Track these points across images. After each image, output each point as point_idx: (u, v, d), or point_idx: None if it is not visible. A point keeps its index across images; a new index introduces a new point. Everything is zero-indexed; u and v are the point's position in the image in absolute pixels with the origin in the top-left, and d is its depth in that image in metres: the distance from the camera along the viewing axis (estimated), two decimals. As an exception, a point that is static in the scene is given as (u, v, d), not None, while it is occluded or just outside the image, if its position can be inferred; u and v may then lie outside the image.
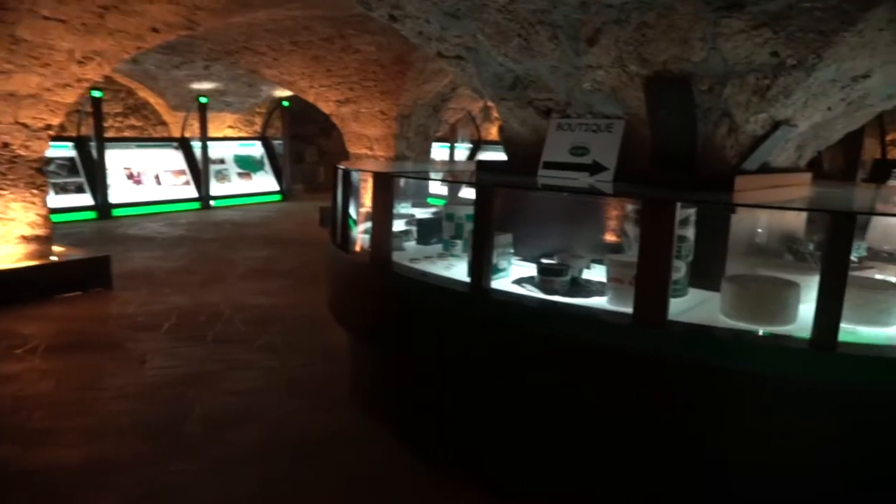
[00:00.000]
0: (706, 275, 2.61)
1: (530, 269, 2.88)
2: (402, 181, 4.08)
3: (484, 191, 2.46)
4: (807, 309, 2.24)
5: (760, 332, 2.10)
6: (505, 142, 3.59)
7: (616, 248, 2.84)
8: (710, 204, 2.50)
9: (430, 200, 4.97)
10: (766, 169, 2.93)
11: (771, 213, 2.92)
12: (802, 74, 2.31)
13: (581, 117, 3.14)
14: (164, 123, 12.40)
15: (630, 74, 2.71)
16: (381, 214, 2.85)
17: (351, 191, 3.35)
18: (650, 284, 2.08)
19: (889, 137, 8.47)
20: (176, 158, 11.90)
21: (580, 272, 2.72)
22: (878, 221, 3.47)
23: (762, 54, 2.31)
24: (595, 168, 3.01)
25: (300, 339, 4.56)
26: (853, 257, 3.29)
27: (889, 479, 1.96)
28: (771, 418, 1.94)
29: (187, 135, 12.15)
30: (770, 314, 2.15)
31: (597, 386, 2.18)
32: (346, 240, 3.26)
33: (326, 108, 9.33)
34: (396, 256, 2.98)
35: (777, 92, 2.40)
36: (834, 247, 1.88)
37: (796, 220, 3.33)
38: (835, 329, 1.90)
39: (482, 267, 2.46)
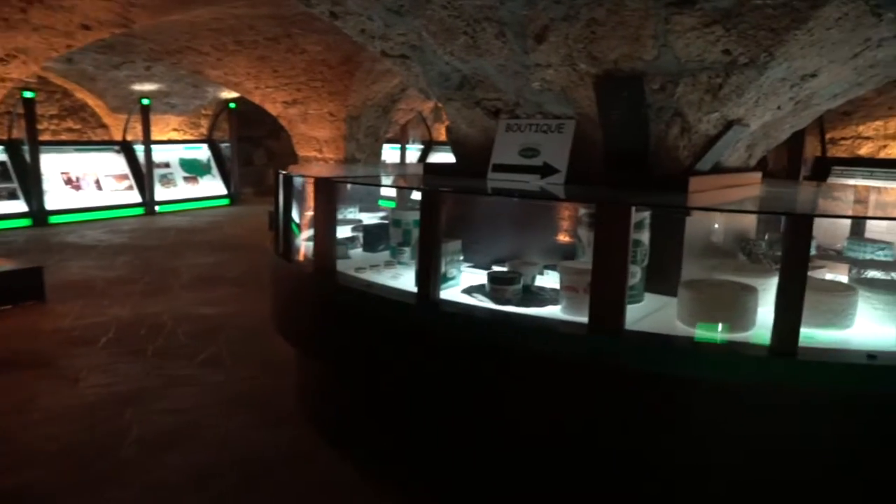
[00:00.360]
0: (662, 279, 2.54)
1: (481, 277, 2.77)
2: (348, 185, 3.92)
3: (430, 196, 2.33)
4: (765, 312, 2.19)
5: (719, 339, 2.03)
6: (453, 143, 3.47)
7: (569, 254, 2.75)
8: (672, 208, 2.43)
9: (381, 203, 4.82)
10: (718, 169, 2.88)
11: (724, 213, 2.87)
12: (754, 73, 2.25)
13: (531, 118, 3.04)
14: (104, 126, 11.91)
15: (580, 73, 2.62)
16: (324, 222, 2.69)
17: (293, 197, 3.18)
18: (606, 292, 1.98)
19: (828, 136, 8.68)
20: (118, 162, 11.45)
21: (533, 280, 2.62)
22: (822, 220, 3.46)
23: (714, 52, 2.24)
24: (546, 170, 2.92)
25: (247, 350, 4.35)
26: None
27: (850, 482, 1.91)
28: (733, 427, 1.87)
29: (129, 138, 11.70)
30: (728, 320, 2.08)
31: (552, 399, 2.07)
32: (288, 248, 3.09)
33: (273, 109, 9.08)
34: (341, 265, 2.83)
35: (730, 91, 2.34)
36: (792, 250, 1.81)
37: (748, 221, 3.30)
38: (795, 334, 1.83)
39: (429, 277, 2.33)
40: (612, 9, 2.32)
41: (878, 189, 4.61)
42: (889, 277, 2.54)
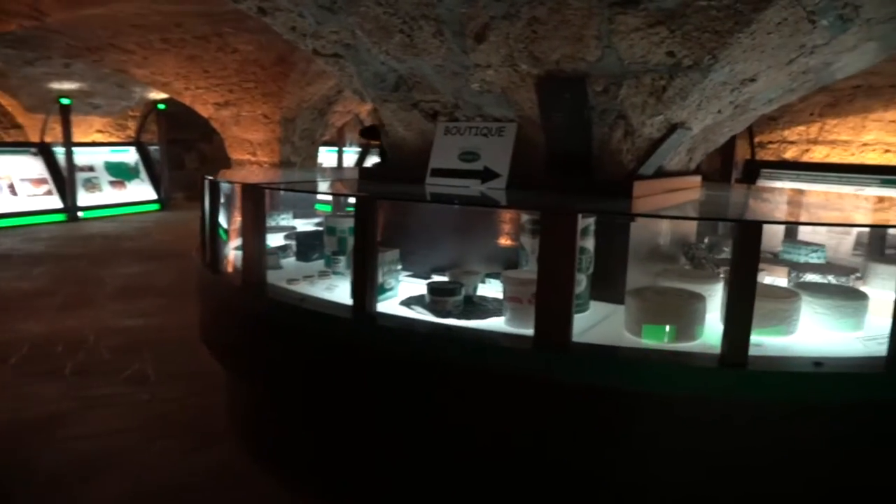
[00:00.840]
0: (607, 286, 2.47)
1: (420, 287, 2.64)
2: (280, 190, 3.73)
3: (365, 203, 2.19)
4: (711, 319, 2.15)
5: (669, 350, 1.96)
6: (390, 147, 3.33)
7: (512, 262, 2.65)
8: (620, 214, 2.36)
9: (318, 207, 4.62)
10: (660, 173, 2.84)
11: (666, 218, 2.84)
12: (698, 76, 2.20)
13: (470, 120, 2.94)
14: (18, 126, 11.17)
15: (521, 74, 2.53)
16: (253, 232, 2.51)
17: (222, 204, 2.98)
18: (552, 304, 1.89)
19: (757, 139, 8.95)
20: (35, 166, 10.77)
21: (474, 290, 2.51)
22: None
23: (658, 54, 2.18)
24: (486, 175, 2.82)
25: (175, 366, 4.09)
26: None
27: (802, 493, 1.87)
28: (685, 441, 1.80)
29: (48, 140, 11.03)
30: (678, 330, 2.01)
31: (497, 416, 1.96)
32: (215, 259, 2.89)
33: (205, 111, 8.73)
34: (272, 276, 2.65)
35: (674, 93, 2.29)
36: (742, 258, 1.75)
37: (689, 225, 3.29)
38: (745, 344, 1.78)
39: (365, 289, 2.19)
40: (555, 7, 2.23)
41: (802, 191, 4.74)
42: (827, 280, 2.55)
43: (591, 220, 2.36)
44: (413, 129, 3.11)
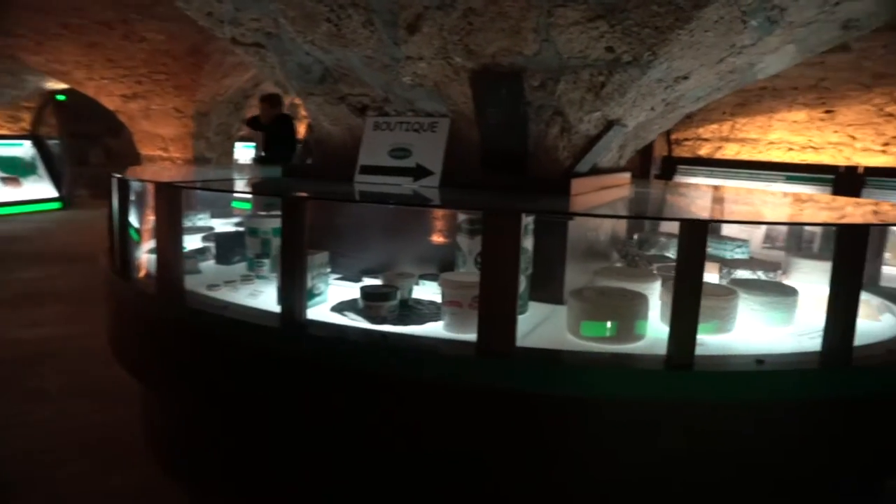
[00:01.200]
0: (545, 286, 2.41)
1: (350, 290, 2.51)
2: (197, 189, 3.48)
3: (293, 203, 2.04)
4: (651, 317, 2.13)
5: (614, 352, 1.91)
6: (315, 143, 3.17)
7: (447, 263, 2.56)
8: (565, 214, 2.31)
9: (235, 205, 4.37)
10: (594, 170, 2.81)
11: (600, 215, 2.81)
12: (637, 72, 2.17)
13: (401, 115, 2.82)
14: None
15: (455, 67, 2.43)
16: (169, 234, 2.30)
17: (132, 204, 2.73)
18: (495, 308, 1.80)
19: (673, 137, 9.25)
20: (-86, 161, 9.86)
21: (409, 293, 2.39)
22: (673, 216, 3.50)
23: (598, 49, 2.13)
24: (419, 172, 2.71)
25: (82, 378, 3.78)
26: (672, 255, 3.33)
27: (750, 494, 1.87)
28: (634, 446, 1.75)
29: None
30: (622, 330, 1.97)
31: (439, 428, 1.86)
32: (126, 264, 2.65)
33: (110, 103, 8.19)
34: (191, 282, 2.44)
35: (612, 90, 2.25)
36: (688, 257, 1.72)
37: (621, 222, 3.30)
38: (692, 345, 1.75)
39: (294, 296, 2.03)
40: (491, -2, 2.15)
41: (718, 187, 4.90)
42: (756, 276, 2.59)
43: (530, 220, 2.29)
44: (340, 124, 2.96)
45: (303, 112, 9.25)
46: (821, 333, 1.98)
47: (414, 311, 2.28)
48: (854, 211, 2.81)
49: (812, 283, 2.62)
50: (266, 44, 2.79)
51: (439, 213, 2.72)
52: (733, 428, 1.76)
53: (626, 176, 3.36)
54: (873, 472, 2.09)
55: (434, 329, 2.12)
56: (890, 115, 6.95)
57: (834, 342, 1.83)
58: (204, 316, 2.20)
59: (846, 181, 6.80)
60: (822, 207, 2.99)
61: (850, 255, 1.81)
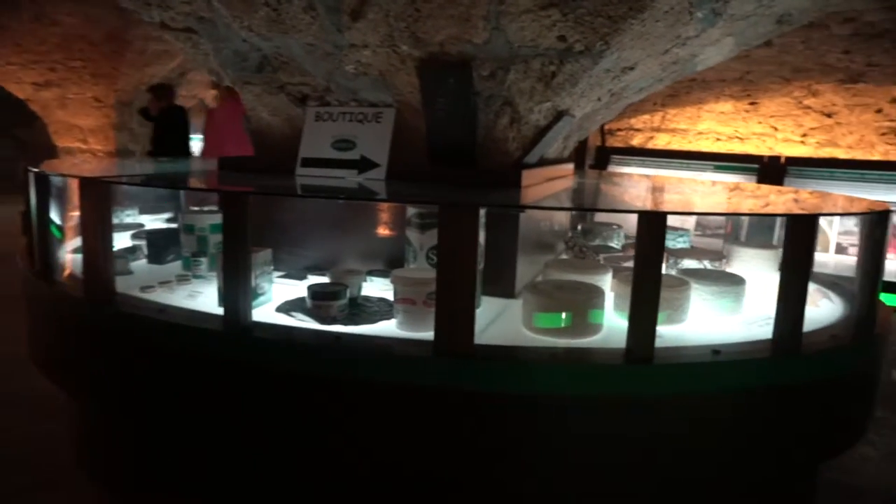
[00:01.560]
0: (497, 280, 2.37)
1: (294, 288, 2.40)
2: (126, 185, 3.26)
3: (236, 199, 1.92)
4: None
5: (575, 347, 1.89)
6: (253, 134, 3.02)
7: (396, 258, 2.48)
8: (522, 207, 2.27)
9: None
10: (541, 161, 2.79)
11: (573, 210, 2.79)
12: (589, 62, 2.14)
13: (344, 105, 2.71)
14: None
15: (402, 56, 2.35)
16: (96, 234, 2.14)
17: (52, 201, 2.53)
18: (453, 304, 1.74)
19: (606, 127, 9.42)
20: None
21: (359, 291, 2.30)
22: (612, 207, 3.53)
23: (549, 38, 2.09)
24: (364, 164, 2.61)
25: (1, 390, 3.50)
26: (616, 245, 3.36)
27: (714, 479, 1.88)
28: (599, 441, 1.74)
29: None
30: (579, 325, 1.95)
31: (396, 432, 1.79)
32: (47, 266, 2.45)
33: (20, 91, 7.66)
34: (122, 284, 2.28)
35: (563, 80, 2.22)
36: (647, 249, 1.71)
37: (565, 214, 3.30)
38: (651, 338, 1.74)
39: (238, 296, 1.92)
40: (439, -16, 2.07)
41: (651, 176, 5.02)
42: (702, 265, 2.63)
43: (482, 213, 2.24)
44: (279, 115, 2.83)
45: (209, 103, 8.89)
46: (768, 321, 2.02)
47: (364, 310, 2.20)
48: (777, 199, 2.91)
49: (749, 270, 2.68)
50: (199, 29, 2.63)
51: (385, 206, 2.64)
52: (692, 419, 1.77)
53: (571, 167, 3.36)
54: (817, 455, 2.15)
55: (387, 328, 2.05)
56: (808, 107, 7.28)
57: (785, 330, 1.86)
58: (138, 320, 2.05)
59: (770, 170, 7.08)
60: (749, 195, 3.09)
61: (800, 245, 1.84)
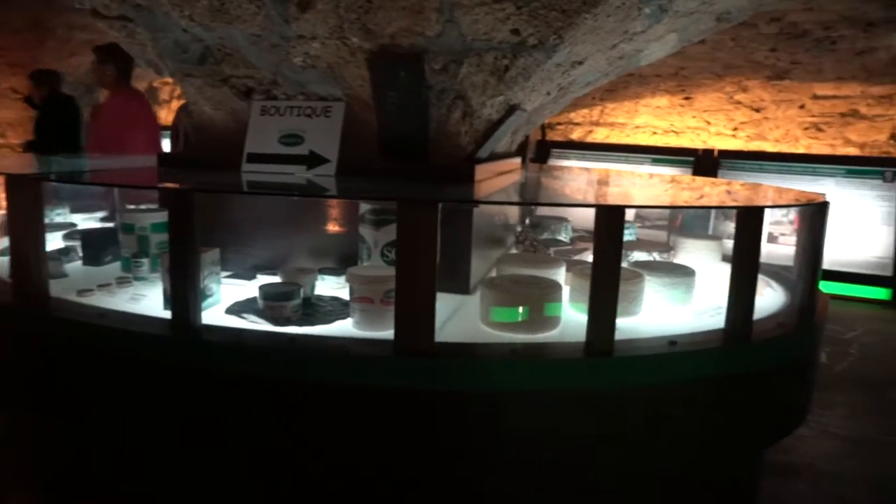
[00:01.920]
0: (451, 276, 2.35)
1: (244, 288, 2.32)
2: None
3: (184, 197, 1.83)
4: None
5: (536, 343, 1.89)
6: (195, 129, 2.90)
7: (349, 256, 2.43)
8: (478, 202, 2.26)
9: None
10: (492, 156, 2.78)
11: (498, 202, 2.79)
12: (542, 56, 2.14)
13: (291, 99, 2.63)
14: None
15: (352, 48, 2.29)
16: (27, 235, 2.00)
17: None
18: (414, 302, 1.71)
19: (546, 121, 9.54)
20: None
21: (312, 290, 2.24)
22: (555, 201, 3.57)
23: (503, 31, 2.07)
24: (313, 160, 2.55)
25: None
26: (564, 238, 3.39)
27: (664, 475, 1.92)
28: (562, 436, 1.74)
29: None
30: (538, 320, 1.95)
31: (357, 435, 1.75)
32: (-30, 270, 2.29)
33: (-69, 82, 7.16)
34: (57, 288, 2.15)
35: (516, 73, 2.21)
36: (606, 243, 1.72)
37: (515, 208, 3.31)
38: (611, 332, 1.75)
39: (187, 299, 1.83)
40: (391, -25, 2.03)
41: (591, 169, 5.12)
42: (653, 258, 2.68)
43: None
44: (223, 109, 2.72)
45: (163, 96, 8.58)
46: (719, 311, 2.07)
47: (319, 310, 2.14)
48: (711, 191, 3.01)
49: (693, 260, 2.75)
50: (135, 18, 2.50)
51: (337, 202, 2.59)
52: (650, 410, 1.79)
53: (518, 161, 3.37)
54: (765, 439, 2.23)
55: (343, 328, 2.00)
56: (738, 102, 7.55)
57: (737, 320, 1.91)
58: (76, 327, 1.93)
59: (704, 162, 7.32)
60: (685, 188, 3.18)
61: (750, 236, 1.89)
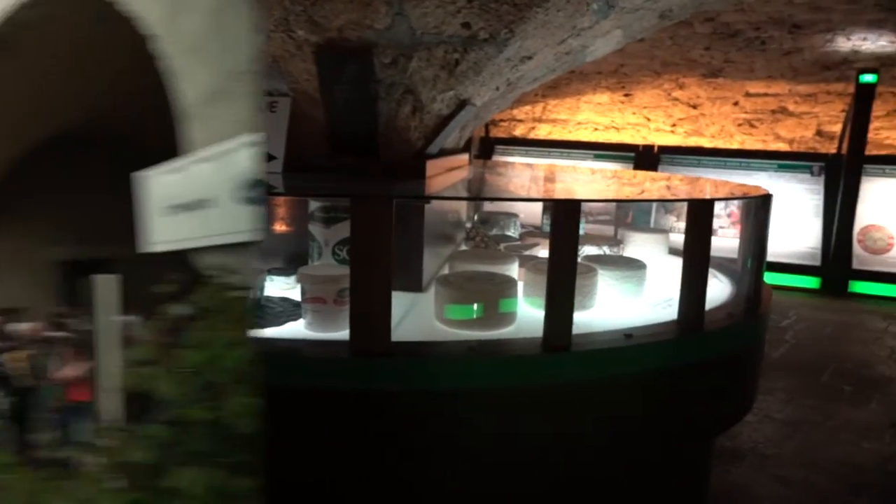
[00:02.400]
0: (404, 274, 2.31)
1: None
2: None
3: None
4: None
5: (494, 340, 1.87)
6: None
7: (298, 255, 2.36)
8: (433, 198, 2.24)
9: None
10: (441, 151, 2.75)
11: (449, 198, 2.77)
12: (493, 50, 2.12)
13: (233, 94, 2.53)
14: None
15: (298, 41, 2.22)
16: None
17: None
18: (369, 302, 1.66)
19: (490, 117, 9.60)
20: None
21: (262, 291, 2.17)
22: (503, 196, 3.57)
23: (454, 25, 2.04)
24: (258, 156, 2.46)
25: None
26: (513, 234, 3.40)
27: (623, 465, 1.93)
28: (521, 432, 1.73)
29: None
30: (494, 316, 1.93)
31: (315, 440, 1.70)
32: None
33: None
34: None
35: (466, 68, 2.19)
36: (562, 237, 1.71)
37: (464, 204, 3.29)
38: (569, 327, 1.75)
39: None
40: (337, -34, 1.97)
41: (535, 165, 5.17)
42: (603, 251, 2.70)
43: (390, 205, 2.17)
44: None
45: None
46: (669, 302, 2.10)
47: (269, 312, 2.07)
48: (652, 185, 3.07)
49: (641, 253, 2.79)
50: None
51: (283, 200, 2.51)
52: (608, 403, 1.80)
53: (466, 157, 3.36)
54: (717, 427, 2.28)
55: (295, 330, 1.93)
56: (676, 99, 7.75)
57: (689, 311, 1.94)
58: None
59: (645, 157, 7.50)
60: (626, 182, 3.24)
61: (700, 228, 1.92)
